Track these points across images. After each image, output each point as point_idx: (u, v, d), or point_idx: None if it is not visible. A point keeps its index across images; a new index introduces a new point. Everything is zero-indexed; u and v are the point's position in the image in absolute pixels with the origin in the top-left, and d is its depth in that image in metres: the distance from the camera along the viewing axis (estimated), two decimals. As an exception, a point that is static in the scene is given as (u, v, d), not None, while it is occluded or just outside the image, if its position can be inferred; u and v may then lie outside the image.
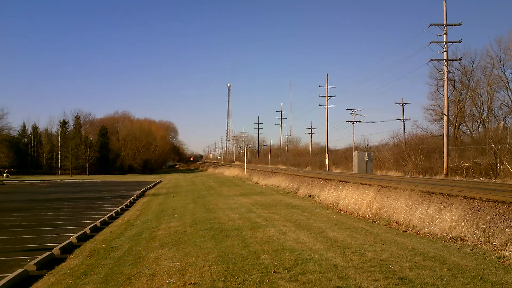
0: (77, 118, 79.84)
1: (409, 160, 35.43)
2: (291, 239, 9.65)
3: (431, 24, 29.70)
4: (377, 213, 13.64)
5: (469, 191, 13.98)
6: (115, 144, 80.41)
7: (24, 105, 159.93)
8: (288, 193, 24.17)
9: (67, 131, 78.08)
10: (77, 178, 60.24)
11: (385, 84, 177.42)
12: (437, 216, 10.77)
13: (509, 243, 8.30)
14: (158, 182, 46.21)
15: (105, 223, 16.25)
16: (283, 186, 27.54)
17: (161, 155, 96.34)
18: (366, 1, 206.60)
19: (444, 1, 29.55)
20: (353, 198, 15.72)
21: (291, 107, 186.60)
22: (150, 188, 36.84)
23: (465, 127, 44.78)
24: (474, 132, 42.92)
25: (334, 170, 48.73)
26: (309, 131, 76.93)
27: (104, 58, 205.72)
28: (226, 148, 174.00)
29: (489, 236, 9.01)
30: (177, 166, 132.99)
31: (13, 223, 16.41)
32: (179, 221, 14.37)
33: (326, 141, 55.64)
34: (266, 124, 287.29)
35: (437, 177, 29.29)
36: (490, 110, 42.33)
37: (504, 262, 7.55)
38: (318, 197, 19.62)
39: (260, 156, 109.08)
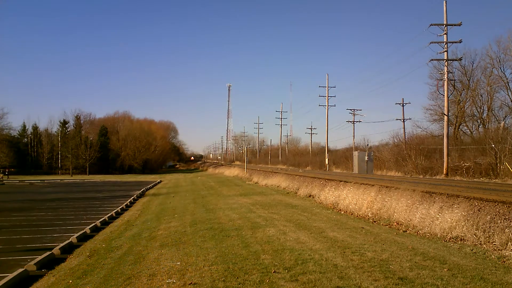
0: (77, 118, 79.92)
1: (409, 160, 35.42)
2: (291, 239, 9.65)
3: (431, 24, 29.73)
4: (377, 213, 13.63)
5: (469, 191, 13.98)
6: (115, 144, 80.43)
7: (24, 105, 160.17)
8: (288, 193, 24.16)
9: (67, 131, 78.14)
10: (77, 178, 60.25)
11: (385, 84, 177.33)
12: (437, 216, 10.77)
13: (509, 243, 8.30)
14: (158, 182, 46.22)
15: (105, 223, 16.25)
16: (283, 186, 27.53)
17: (161, 155, 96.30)
18: (366, 1, 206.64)
19: (444, 1, 29.57)
20: (354, 198, 15.71)
21: (291, 107, 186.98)
22: (150, 188, 36.85)
23: (465, 127, 44.81)
24: (474, 132, 42.95)
25: (334, 170, 48.72)
26: (309, 131, 76.98)
27: (104, 58, 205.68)
28: (226, 148, 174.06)
29: (489, 236, 9.00)
30: (177, 166, 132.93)
31: (13, 223, 16.41)
32: (179, 221, 14.37)
33: (326, 141, 55.70)
34: (266, 124, 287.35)
35: (437, 177, 29.29)
36: (490, 110, 42.36)
37: (504, 262, 7.55)
38: (318, 197, 19.61)
39: (260, 156, 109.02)
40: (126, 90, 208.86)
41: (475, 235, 9.26)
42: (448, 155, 29.80)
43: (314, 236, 10.07)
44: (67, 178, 58.67)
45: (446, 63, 30.43)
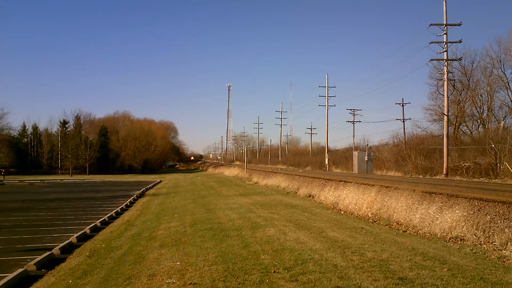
0: (77, 118, 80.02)
1: (409, 160, 35.42)
2: (291, 239, 9.65)
3: (431, 24, 29.72)
4: (377, 213, 13.63)
5: (469, 191, 13.98)
6: (115, 144, 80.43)
7: (24, 105, 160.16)
8: (288, 193, 24.16)
9: (67, 131, 78.16)
10: (77, 178, 60.24)
11: (385, 84, 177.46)
12: (437, 216, 10.77)
13: (509, 243, 8.30)
14: (158, 182, 46.21)
15: (105, 223, 16.25)
16: (283, 186, 27.53)
17: (161, 155, 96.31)
18: (366, 1, 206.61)
19: (444, 1, 29.57)
20: (353, 198, 15.71)
21: (291, 107, 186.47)
22: (150, 188, 36.84)
23: (465, 127, 44.82)
24: (474, 132, 42.95)
25: (334, 170, 48.72)
26: (309, 131, 77.02)
27: (104, 58, 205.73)
28: (226, 148, 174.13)
29: (489, 236, 9.00)
30: (177, 166, 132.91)
31: (13, 223, 16.41)
32: (179, 221, 14.37)
33: (326, 141, 55.72)
34: (266, 124, 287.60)
35: (437, 177, 29.29)
36: (490, 110, 42.36)
37: (504, 262, 7.55)
38: (318, 197, 19.61)
39: (260, 156, 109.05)
40: (126, 90, 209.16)
41: (475, 235, 9.26)
42: (448, 155, 29.80)
43: (314, 236, 10.07)
44: (67, 178, 58.66)
45: (446, 63, 30.42)
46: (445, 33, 29.67)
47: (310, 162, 61.25)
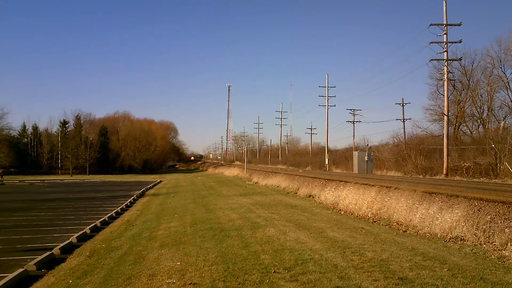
0: (77, 118, 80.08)
1: (409, 160, 35.42)
2: (291, 239, 9.65)
3: (431, 24, 29.72)
4: (377, 213, 13.63)
5: (469, 191, 13.97)
6: (115, 144, 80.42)
7: (24, 105, 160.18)
8: (288, 193, 24.16)
9: (67, 131, 78.19)
10: (77, 178, 60.24)
11: (385, 84, 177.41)
12: (437, 216, 10.77)
13: (509, 243, 8.30)
14: (158, 182, 46.21)
15: (105, 223, 16.25)
16: (283, 186, 27.53)
17: (161, 155, 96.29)
18: (366, 1, 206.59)
19: (444, 1, 29.57)
20: (354, 198, 15.71)
21: (291, 107, 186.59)
22: (150, 188, 36.85)
23: (465, 127, 44.80)
24: (474, 132, 42.94)
25: (334, 170, 48.71)
26: (309, 131, 76.99)
27: (104, 58, 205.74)
28: (226, 148, 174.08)
29: (489, 236, 9.00)
30: (177, 166, 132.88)
31: (13, 223, 16.41)
32: (179, 221, 14.37)
33: (326, 141, 55.71)
34: (266, 124, 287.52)
35: (437, 177, 29.28)
36: (490, 110, 42.34)
37: (504, 262, 7.55)
38: (318, 197, 19.61)
39: (260, 156, 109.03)
40: (126, 90, 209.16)
41: (475, 235, 9.26)
42: (448, 155, 29.80)
43: (314, 236, 10.07)
44: (67, 178, 58.66)
45: (446, 63, 30.42)
46: (445, 33, 29.67)
47: (310, 162, 61.24)
